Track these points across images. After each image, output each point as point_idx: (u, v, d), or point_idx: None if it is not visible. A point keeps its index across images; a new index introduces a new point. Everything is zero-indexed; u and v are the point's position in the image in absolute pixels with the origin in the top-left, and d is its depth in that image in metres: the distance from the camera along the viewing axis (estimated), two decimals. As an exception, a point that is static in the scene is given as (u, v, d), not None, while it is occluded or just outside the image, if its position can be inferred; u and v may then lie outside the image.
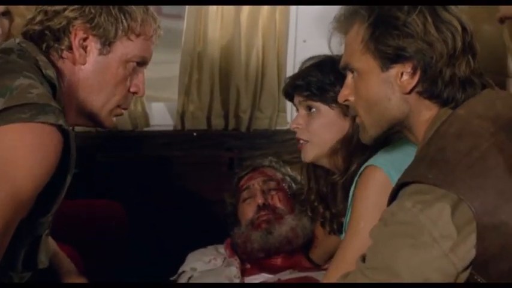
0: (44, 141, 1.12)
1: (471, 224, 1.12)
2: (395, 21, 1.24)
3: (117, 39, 1.35)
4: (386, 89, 1.27)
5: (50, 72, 1.28)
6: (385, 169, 1.48)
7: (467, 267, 1.14)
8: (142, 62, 1.41)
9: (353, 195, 1.55)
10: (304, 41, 2.71)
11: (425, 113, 1.27)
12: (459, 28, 1.24)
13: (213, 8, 2.55)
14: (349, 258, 1.47)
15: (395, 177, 1.43)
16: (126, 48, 1.36)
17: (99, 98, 1.36)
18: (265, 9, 2.61)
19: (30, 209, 1.17)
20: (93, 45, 1.34)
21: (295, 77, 1.75)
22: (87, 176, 2.37)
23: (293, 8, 2.68)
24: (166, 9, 2.69)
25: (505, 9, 1.83)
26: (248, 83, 2.65)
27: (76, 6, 1.33)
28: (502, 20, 1.87)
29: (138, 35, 1.37)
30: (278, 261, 1.98)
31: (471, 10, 2.13)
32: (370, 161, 1.51)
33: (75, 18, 1.33)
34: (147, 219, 2.45)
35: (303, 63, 1.78)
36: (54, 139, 1.14)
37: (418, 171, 1.20)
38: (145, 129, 2.62)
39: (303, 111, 1.71)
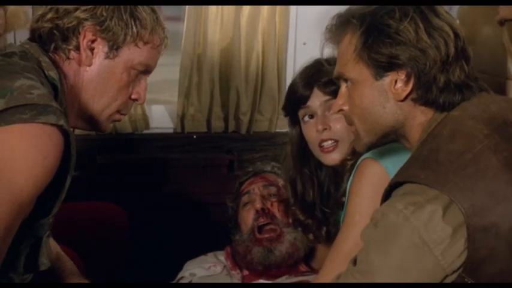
0: (45, 141, 1.11)
1: (462, 227, 1.12)
2: (388, 29, 1.24)
3: (124, 45, 1.35)
4: (381, 97, 1.28)
5: (53, 73, 1.28)
6: (381, 161, 1.47)
7: (456, 270, 1.14)
8: (146, 70, 1.41)
9: (349, 188, 1.53)
10: (304, 44, 2.71)
11: (421, 118, 1.27)
12: (451, 34, 1.24)
13: (212, 11, 2.55)
14: (344, 251, 1.46)
15: (392, 170, 1.42)
16: (132, 54, 1.36)
17: (100, 102, 1.36)
18: (265, 11, 2.61)
19: (31, 210, 1.16)
20: (101, 48, 1.34)
21: (306, 75, 1.69)
22: (87, 179, 2.37)
23: (293, 10, 2.68)
24: (166, 11, 2.67)
25: (504, 11, 1.83)
26: (248, 86, 2.65)
27: (88, 7, 1.32)
28: (501, 22, 1.87)
29: (146, 43, 1.37)
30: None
31: (471, 12, 2.14)
32: (367, 154, 1.49)
33: (86, 19, 1.32)
34: (147, 222, 2.45)
35: (303, 67, 1.74)
36: (55, 139, 1.13)
37: (410, 172, 1.20)
38: (145, 131, 2.62)
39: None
